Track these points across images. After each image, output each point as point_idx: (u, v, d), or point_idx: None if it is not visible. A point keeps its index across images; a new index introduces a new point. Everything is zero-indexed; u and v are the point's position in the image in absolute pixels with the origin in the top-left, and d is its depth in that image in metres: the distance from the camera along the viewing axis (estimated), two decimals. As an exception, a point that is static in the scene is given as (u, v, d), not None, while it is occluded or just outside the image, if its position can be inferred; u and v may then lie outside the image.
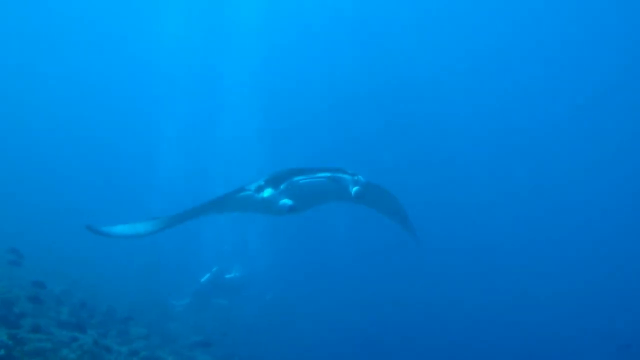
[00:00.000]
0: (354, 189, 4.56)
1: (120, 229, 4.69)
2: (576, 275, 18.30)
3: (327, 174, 4.63)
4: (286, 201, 4.63)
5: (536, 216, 21.41)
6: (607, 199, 21.29)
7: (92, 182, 24.44)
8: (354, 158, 19.96)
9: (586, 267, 18.92)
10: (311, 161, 21.05)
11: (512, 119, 22.25)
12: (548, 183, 21.97)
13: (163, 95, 25.37)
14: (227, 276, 12.62)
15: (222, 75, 24.12)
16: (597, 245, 20.02)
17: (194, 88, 24.94)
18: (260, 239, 17.30)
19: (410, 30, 21.30)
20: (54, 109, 26.92)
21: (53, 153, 25.72)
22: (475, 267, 18.75)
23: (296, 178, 4.65)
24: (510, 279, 18.07)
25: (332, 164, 4.86)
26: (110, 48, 24.79)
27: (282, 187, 4.67)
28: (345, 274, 16.36)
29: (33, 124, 26.40)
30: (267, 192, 4.78)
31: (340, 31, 22.08)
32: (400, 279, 16.63)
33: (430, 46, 21.55)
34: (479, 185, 21.56)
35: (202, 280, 12.43)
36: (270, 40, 22.73)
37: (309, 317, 13.32)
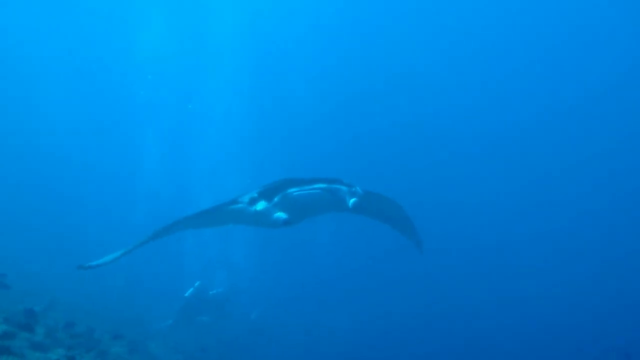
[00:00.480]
0: (352, 201, 4.45)
1: (111, 256, 4.59)
2: (576, 276, 18.19)
3: (323, 186, 4.49)
4: (280, 214, 4.50)
5: (535, 217, 21.29)
6: (606, 200, 21.19)
7: (73, 193, 23.98)
8: (342, 164, 19.90)
9: (586, 267, 18.83)
10: (297, 168, 20.69)
11: (510, 119, 22.06)
12: (548, 183, 21.84)
13: (145, 102, 24.83)
14: (211, 292, 12.33)
15: (206, 82, 23.78)
16: (597, 246, 19.93)
17: (177, 96, 24.52)
18: (244, 250, 17.08)
19: (396, 30, 21.08)
20: (33, 114, 26.26)
21: (31, 161, 25.16)
22: (471, 269, 18.58)
23: (290, 190, 4.51)
24: (509, 280, 17.91)
25: (324, 173, 4.73)
26: (90, 54, 24.09)
27: (276, 199, 4.54)
28: (334, 285, 16.12)
29: (8, 132, 25.73)
30: (261, 205, 4.65)
31: (325, 32, 21.96)
32: (391, 290, 16.44)
33: (421, 46, 21.38)
34: (476, 186, 21.46)
35: (185, 296, 12.11)
36: (254, 46, 22.55)
37: (296, 334, 13.06)
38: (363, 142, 22.45)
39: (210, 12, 21.60)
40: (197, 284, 12.26)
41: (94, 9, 21.78)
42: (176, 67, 23.39)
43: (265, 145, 23.78)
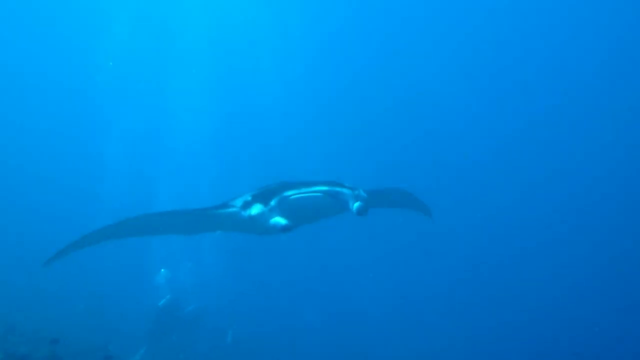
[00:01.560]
0: (356, 205, 4.03)
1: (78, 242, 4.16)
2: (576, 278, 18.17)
3: (324, 188, 4.11)
4: (278, 220, 4.09)
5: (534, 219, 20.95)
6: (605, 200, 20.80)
7: (33, 192, 22.76)
8: (317, 165, 19.61)
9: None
10: (266, 170, 20.22)
11: (510, 119, 21.85)
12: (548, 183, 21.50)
13: (109, 100, 23.70)
14: (182, 308, 11.76)
15: (171, 81, 22.96)
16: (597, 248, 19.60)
17: (142, 94, 23.55)
18: (217, 260, 16.46)
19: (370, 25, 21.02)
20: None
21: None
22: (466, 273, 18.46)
23: (288, 193, 4.14)
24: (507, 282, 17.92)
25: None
26: (52, 51, 22.91)
27: (272, 203, 4.16)
28: (314, 296, 15.71)
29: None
30: (256, 209, 4.24)
31: (293, 31, 21.53)
32: (377, 297, 16.15)
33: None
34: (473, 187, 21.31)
35: (154, 316, 11.51)
36: (221, 45, 21.95)
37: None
38: (339, 141, 22.02)
39: (176, 12, 21.06)
40: (166, 297, 11.69)
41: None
42: (141, 61, 22.62)
43: (238, 148, 23.26)
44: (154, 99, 23.68)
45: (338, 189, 4.16)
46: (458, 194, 20.49)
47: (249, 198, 4.37)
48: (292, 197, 4.12)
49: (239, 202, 4.42)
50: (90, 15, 21.33)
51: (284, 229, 4.06)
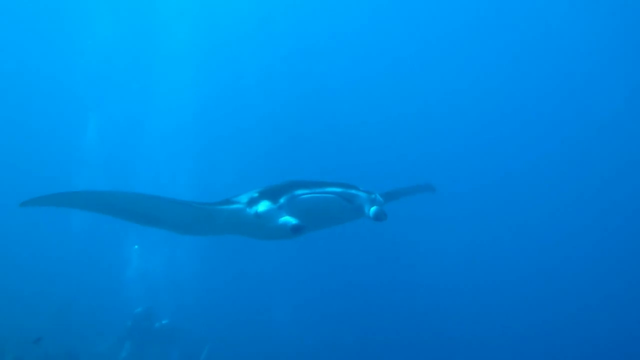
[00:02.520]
0: (373, 209, 3.73)
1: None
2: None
3: (338, 190, 3.81)
4: (288, 219, 3.70)
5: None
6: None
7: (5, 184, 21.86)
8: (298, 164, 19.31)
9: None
10: (251, 169, 19.88)
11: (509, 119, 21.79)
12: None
13: (87, 95, 22.89)
14: (156, 324, 11.40)
15: (152, 76, 22.45)
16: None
17: (121, 89, 22.95)
18: (193, 271, 16.05)
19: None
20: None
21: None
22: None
23: (299, 191, 3.80)
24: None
25: (329, 178, 4.05)
26: (30, 46, 22.18)
27: (282, 200, 3.79)
28: (296, 311, 15.30)
29: None
30: (264, 206, 3.82)
31: (273, 30, 21.47)
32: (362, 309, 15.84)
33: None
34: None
35: (123, 332, 11.14)
36: (203, 40, 21.68)
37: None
38: (323, 140, 21.45)
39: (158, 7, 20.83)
40: (137, 310, 11.33)
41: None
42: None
43: (221, 145, 22.84)
44: (136, 94, 23.19)
45: (353, 191, 3.86)
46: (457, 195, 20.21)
47: (256, 194, 3.98)
48: (304, 196, 3.79)
49: (244, 199, 4.01)
50: (72, 5, 20.90)
51: (295, 229, 3.66)
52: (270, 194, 3.90)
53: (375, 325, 14.77)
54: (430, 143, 21.51)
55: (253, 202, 3.92)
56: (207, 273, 16.16)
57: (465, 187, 19.79)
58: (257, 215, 3.84)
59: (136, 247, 16.04)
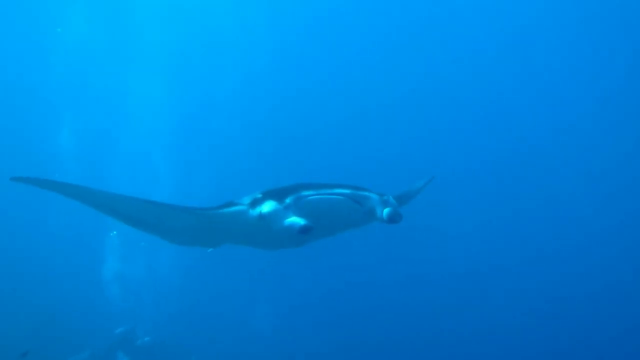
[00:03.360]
0: (386, 211, 3.50)
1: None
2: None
3: (348, 192, 3.56)
4: (296, 220, 3.41)
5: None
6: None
7: None
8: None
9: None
10: (228, 177, 19.53)
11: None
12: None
13: (60, 95, 21.97)
14: (137, 342, 11.23)
15: (128, 81, 21.78)
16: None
17: (96, 93, 22.19)
18: (175, 278, 15.84)
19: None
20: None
21: None
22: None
23: (306, 192, 3.54)
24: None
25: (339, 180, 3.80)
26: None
27: (288, 201, 3.53)
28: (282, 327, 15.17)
29: None
30: (269, 206, 3.55)
31: (256, 27, 20.95)
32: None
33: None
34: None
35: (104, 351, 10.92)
36: (179, 45, 21.14)
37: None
38: (305, 142, 21.25)
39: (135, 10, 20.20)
40: (119, 330, 11.16)
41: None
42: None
43: (198, 149, 22.36)
44: (109, 96, 22.48)
45: (364, 193, 3.61)
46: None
47: (259, 195, 3.72)
48: (311, 197, 3.53)
49: (246, 200, 3.75)
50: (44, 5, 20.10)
51: (304, 230, 3.35)
52: (275, 194, 3.65)
53: (361, 335, 14.75)
54: (430, 143, 21.38)
55: (257, 202, 3.66)
56: (189, 281, 15.96)
57: (465, 187, 19.86)
58: (262, 216, 3.56)
59: (114, 232, 15.70)
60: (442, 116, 21.48)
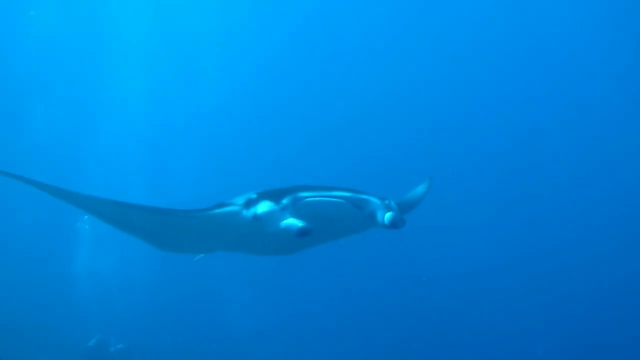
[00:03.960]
0: (388, 215, 3.30)
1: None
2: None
3: (347, 195, 3.38)
4: (294, 221, 3.25)
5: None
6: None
7: None
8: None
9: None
10: (212, 177, 19.11)
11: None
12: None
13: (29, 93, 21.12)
14: (109, 348, 10.84)
15: (102, 76, 20.94)
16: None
17: (71, 81, 21.17)
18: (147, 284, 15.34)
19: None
20: None
21: None
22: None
23: (304, 194, 3.38)
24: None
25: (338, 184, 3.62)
26: None
27: (285, 201, 3.36)
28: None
29: None
30: (264, 207, 3.38)
31: (237, 27, 20.50)
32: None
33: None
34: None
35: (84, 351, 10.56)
36: (160, 32, 20.39)
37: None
38: (288, 145, 20.84)
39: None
40: (92, 341, 10.77)
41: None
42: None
43: (175, 151, 21.74)
44: (85, 85, 21.42)
45: (364, 197, 3.42)
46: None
47: (254, 195, 3.53)
48: (309, 199, 3.35)
49: (240, 200, 3.53)
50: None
51: (301, 232, 3.19)
52: (271, 195, 3.46)
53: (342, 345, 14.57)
54: (431, 143, 20.94)
55: (251, 203, 3.46)
56: (163, 280, 15.47)
57: (466, 187, 19.49)
58: (256, 217, 3.38)
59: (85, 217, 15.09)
60: (442, 116, 21.20)
